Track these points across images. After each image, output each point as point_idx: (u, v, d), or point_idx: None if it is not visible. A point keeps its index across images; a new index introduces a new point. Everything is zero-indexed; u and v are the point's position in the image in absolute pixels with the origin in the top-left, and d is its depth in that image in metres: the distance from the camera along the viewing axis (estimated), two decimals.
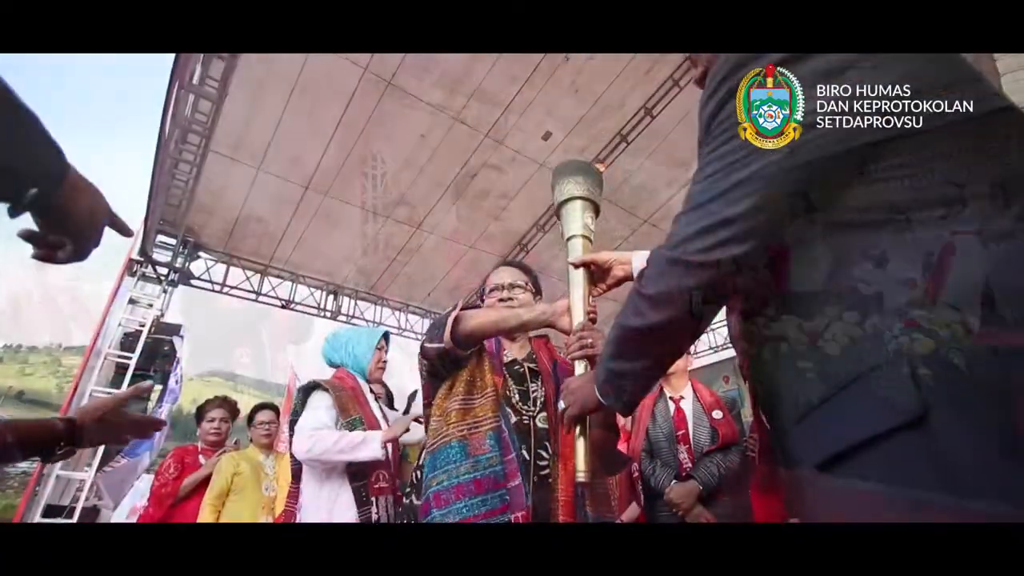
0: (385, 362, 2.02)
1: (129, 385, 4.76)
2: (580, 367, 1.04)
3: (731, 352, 8.07)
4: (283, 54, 4.36)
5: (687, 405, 2.16)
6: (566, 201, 1.17)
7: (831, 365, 0.57)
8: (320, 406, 1.74)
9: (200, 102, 4.28)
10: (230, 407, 2.70)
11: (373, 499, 1.66)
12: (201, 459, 2.59)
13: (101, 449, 4.46)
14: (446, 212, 6.14)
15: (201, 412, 2.64)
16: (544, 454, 1.15)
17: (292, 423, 1.75)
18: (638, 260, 1.11)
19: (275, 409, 2.68)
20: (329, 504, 1.67)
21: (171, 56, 3.57)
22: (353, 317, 6.94)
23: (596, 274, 1.16)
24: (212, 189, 5.33)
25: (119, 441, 0.99)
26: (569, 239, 1.15)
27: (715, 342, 8.50)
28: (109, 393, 4.70)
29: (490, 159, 5.70)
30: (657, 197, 6.64)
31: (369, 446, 1.64)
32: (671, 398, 2.19)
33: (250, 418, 2.63)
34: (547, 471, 1.12)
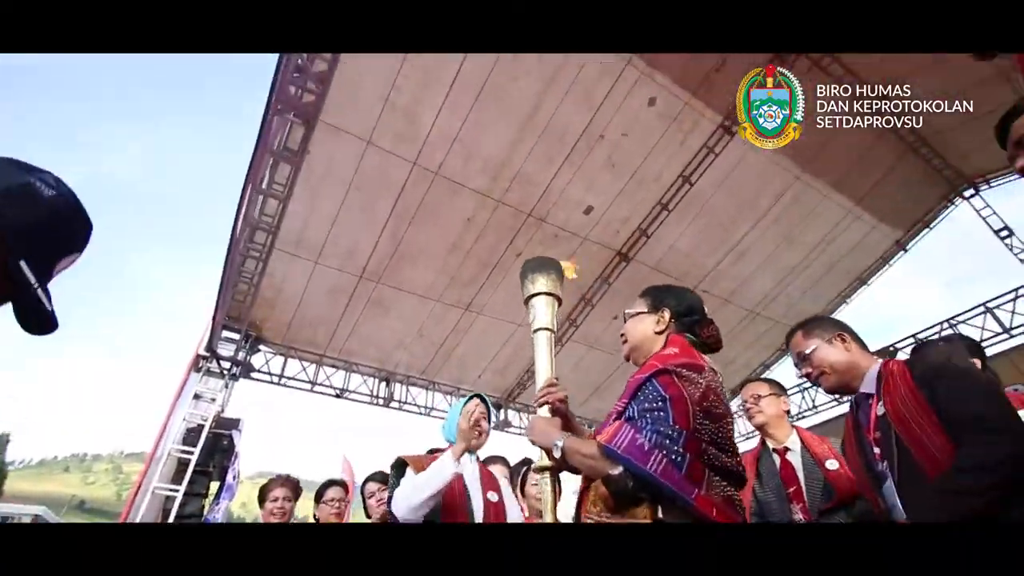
0: (479, 425, 1.85)
1: (190, 483, 4.74)
2: (543, 411, 1.28)
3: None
4: (343, 156, 4.77)
5: (794, 457, 1.86)
6: (534, 295, 1.41)
7: None
8: (407, 477, 1.82)
9: (268, 203, 4.67)
10: (292, 486, 2.62)
11: None
12: None
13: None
14: (494, 291, 6.21)
15: (264, 492, 2.57)
16: None
17: (389, 499, 1.81)
18: None
19: (344, 486, 2.60)
20: None
21: (244, 166, 3.96)
22: (404, 403, 6.86)
23: None
24: (274, 284, 5.64)
25: None
26: (536, 331, 1.38)
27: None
28: (172, 489, 4.69)
29: (534, 236, 5.85)
30: (704, 262, 6.55)
31: (443, 465, 1.66)
32: (775, 450, 1.91)
33: (319, 496, 2.54)
34: None
